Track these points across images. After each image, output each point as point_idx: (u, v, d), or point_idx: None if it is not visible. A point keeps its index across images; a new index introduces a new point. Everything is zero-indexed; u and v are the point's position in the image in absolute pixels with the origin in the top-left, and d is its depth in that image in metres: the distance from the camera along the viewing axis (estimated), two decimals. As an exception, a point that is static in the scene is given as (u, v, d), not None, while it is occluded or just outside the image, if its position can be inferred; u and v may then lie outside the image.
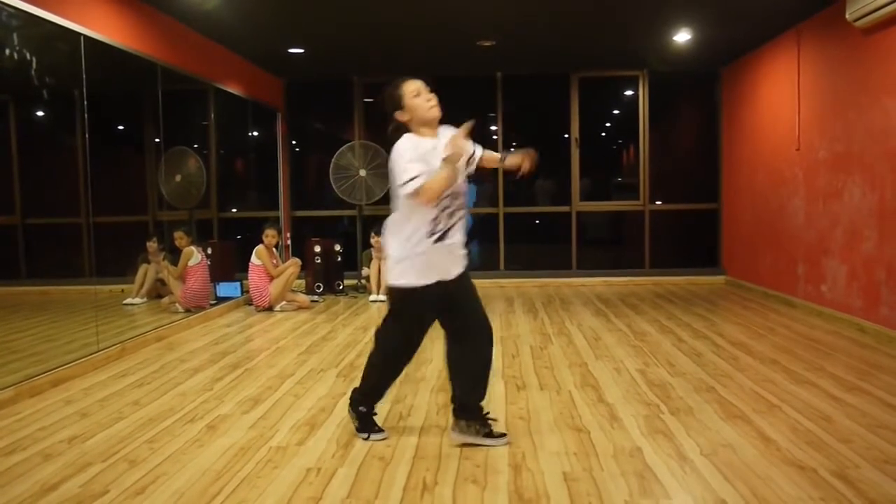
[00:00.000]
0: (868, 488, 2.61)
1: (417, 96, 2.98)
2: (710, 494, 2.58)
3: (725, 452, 2.99)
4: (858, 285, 5.64)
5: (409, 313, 3.11)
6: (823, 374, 4.25)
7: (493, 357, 3.19)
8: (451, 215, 3.00)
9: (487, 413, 3.16)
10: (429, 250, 2.96)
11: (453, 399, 3.16)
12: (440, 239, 2.98)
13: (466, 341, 3.13)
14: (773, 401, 3.72)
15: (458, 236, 3.06)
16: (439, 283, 3.01)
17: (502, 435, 3.15)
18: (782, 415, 3.49)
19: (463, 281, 3.12)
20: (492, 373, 3.20)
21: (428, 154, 2.91)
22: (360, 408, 3.23)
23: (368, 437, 3.20)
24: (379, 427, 3.26)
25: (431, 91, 3.01)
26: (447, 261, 3.04)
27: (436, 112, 2.99)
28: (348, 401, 3.31)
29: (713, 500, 2.54)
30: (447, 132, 3.01)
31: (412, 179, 2.85)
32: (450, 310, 3.11)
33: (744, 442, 3.11)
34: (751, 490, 2.61)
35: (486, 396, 3.19)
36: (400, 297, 3.09)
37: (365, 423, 3.23)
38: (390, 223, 3.09)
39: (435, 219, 2.95)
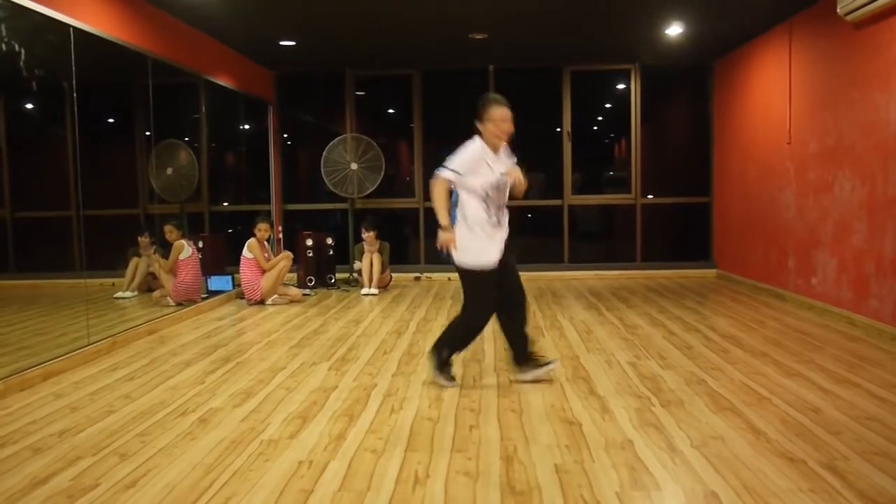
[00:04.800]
0: (857, 479, 2.63)
1: (502, 121, 3.84)
2: (701, 486, 2.59)
3: (716, 444, 3.00)
4: (848, 278, 5.67)
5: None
6: (813, 367, 4.27)
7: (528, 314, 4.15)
8: (498, 208, 3.87)
9: (532, 354, 4.04)
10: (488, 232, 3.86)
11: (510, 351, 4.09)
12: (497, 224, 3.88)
13: (504, 311, 3.98)
14: (764, 393, 3.74)
15: (504, 223, 3.94)
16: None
17: (550, 362, 4.06)
18: (772, 407, 3.51)
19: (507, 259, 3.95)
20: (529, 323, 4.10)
21: (480, 162, 3.76)
22: (445, 351, 3.98)
23: (440, 378, 3.96)
24: (452, 376, 4.01)
25: (511, 122, 3.86)
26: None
27: (499, 142, 3.87)
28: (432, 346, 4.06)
29: (703, 491, 2.55)
30: (506, 153, 3.96)
31: (448, 170, 3.74)
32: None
33: (734, 434, 3.13)
34: (741, 481, 2.62)
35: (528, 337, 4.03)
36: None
37: (442, 367, 3.98)
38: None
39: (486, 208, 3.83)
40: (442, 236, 3.77)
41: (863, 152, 5.45)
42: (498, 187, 3.81)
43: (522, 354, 4.02)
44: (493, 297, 3.89)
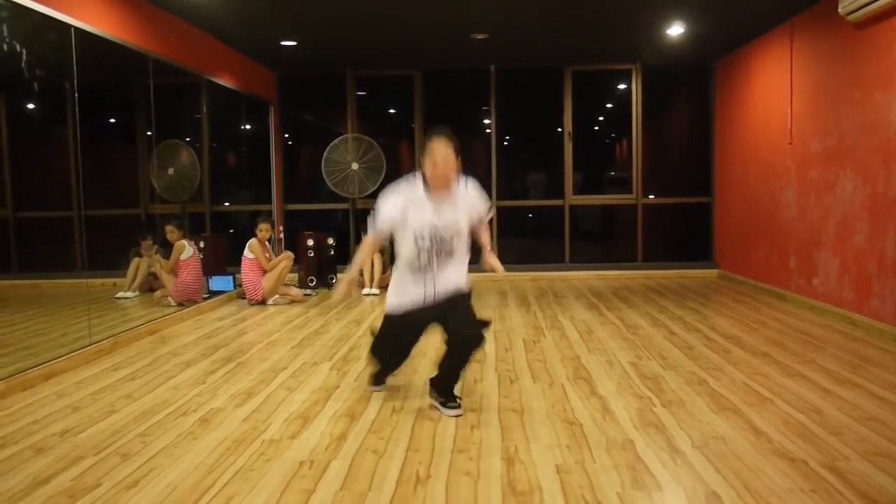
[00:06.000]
0: (858, 480, 2.63)
1: (435, 163, 3.30)
2: (702, 486, 2.59)
3: (717, 445, 3.00)
4: (850, 278, 5.67)
5: None
6: (815, 367, 4.27)
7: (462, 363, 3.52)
8: (435, 254, 3.39)
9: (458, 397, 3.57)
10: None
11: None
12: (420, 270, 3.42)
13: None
14: (765, 393, 3.74)
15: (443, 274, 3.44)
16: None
17: (454, 408, 3.49)
18: (773, 407, 3.50)
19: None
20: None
21: (405, 209, 3.36)
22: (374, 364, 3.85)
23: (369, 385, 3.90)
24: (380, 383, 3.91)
25: (452, 161, 3.32)
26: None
27: (437, 184, 3.33)
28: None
29: (705, 491, 2.55)
30: (466, 190, 3.45)
31: (372, 229, 3.48)
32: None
33: (735, 434, 3.13)
34: (742, 482, 2.62)
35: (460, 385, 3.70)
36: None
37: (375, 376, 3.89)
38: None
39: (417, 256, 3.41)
40: (340, 285, 3.63)
41: (864, 152, 5.45)
42: (433, 236, 3.34)
43: (441, 384, 3.55)
44: (394, 345, 3.66)
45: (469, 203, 3.45)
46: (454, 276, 3.45)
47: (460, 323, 3.40)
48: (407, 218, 3.34)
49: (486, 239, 3.66)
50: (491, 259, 3.58)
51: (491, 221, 9.18)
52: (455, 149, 3.32)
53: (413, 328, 3.57)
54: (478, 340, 3.40)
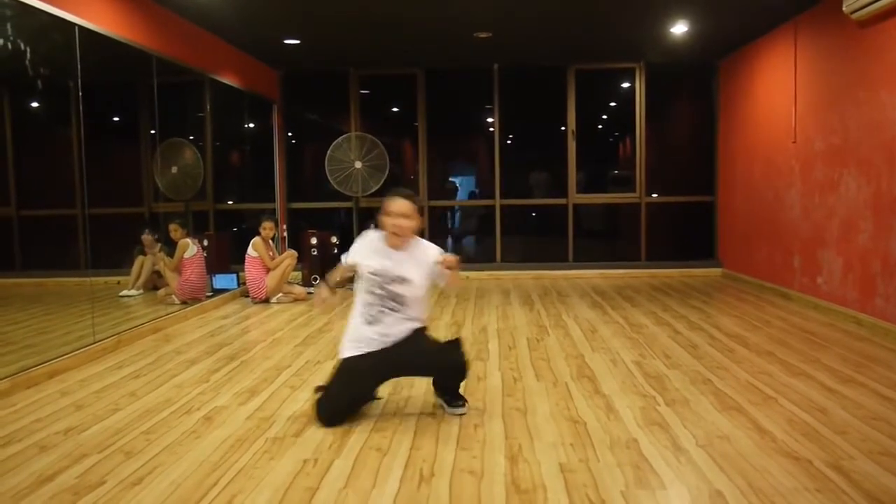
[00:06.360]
0: (863, 479, 2.62)
1: (393, 215, 3.36)
2: (706, 485, 2.59)
3: (721, 443, 3.00)
4: (854, 277, 5.66)
5: None
6: (819, 366, 4.26)
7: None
8: (382, 310, 3.41)
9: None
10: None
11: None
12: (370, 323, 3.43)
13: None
14: (769, 392, 3.73)
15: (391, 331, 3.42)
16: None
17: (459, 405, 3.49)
18: (778, 406, 3.50)
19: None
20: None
21: (374, 252, 3.43)
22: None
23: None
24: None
25: (408, 216, 3.37)
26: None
27: (395, 239, 3.39)
28: None
29: (708, 490, 2.55)
30: (424, 252, 3.44)
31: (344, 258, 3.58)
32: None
33: (739, 433, 3.12)
34: (746, 481, 2.61)
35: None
36: None
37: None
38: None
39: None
40: (318, 293, 3.65)
41: (869, 151, 5.43)
42: (386, 288, 3.38)
43: (443, 390, 3.55)
44: (337, 393, 3.39)
45: (426, 261, 3.41)
46: (408, 325, 3.42)
47: (436, 358, 3.45)
48: (365, 266, 3.42)
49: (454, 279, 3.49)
50: (452, 273, 3.40)
51: (493, 218, 9.23)
52: (415, 208, 3.39)
53: (368, 374, 3.42)
54: (462, 368, 3.43)
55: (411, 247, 3.44)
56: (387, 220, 3.38)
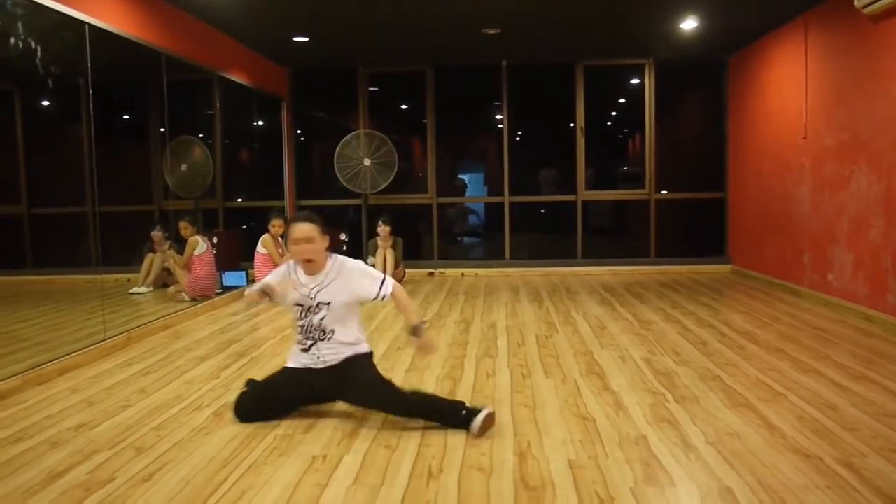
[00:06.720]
0: (873, 476, 2.61)
1: (295, 241, 3.25)
2: (715, 482, 2.58)
3: (731, 440, 2.99)
4: (865, 274, 5.63)
5: None
6: (829, 363, 4.24)
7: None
8: (312, 337, 3.32)
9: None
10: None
11: None
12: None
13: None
14: (779, 389, 3.72)
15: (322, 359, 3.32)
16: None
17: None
18: (788, 403, 3.48)
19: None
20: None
21: (293, 280, 3.32)
22: None
23: None
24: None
25: (312, 239, 3.23)
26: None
27: (305, 266, 3.30)
28: None
29: (718, 487, 2.54)
30: (347, 274, 3.32)
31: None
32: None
33: (749, 430, 3.11)
34: (756, 478, 2.61)
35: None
36: None
37: None
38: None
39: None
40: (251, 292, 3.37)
41: (880, 147, 5.40)
42: (306, 315, 3.30)
43: (454, 415, 3.19)
44: (265, 395, 3.40)
45: (344, 281, 3.29)
46: (344, 352, 3.32)
47: (360, 395, 3.29)
48: (286, 294, 3.28)
49: (409, 315, 3.38)
50: (419, 339, 3.31)
51: (502, 215, 9.22)
52: (318, 228, 3.25)
53: (299, 386, 3.36)
54: (394, 406, 3.24)
55: (329, 269, 3.31)
56: (293, 249, 3.26)
